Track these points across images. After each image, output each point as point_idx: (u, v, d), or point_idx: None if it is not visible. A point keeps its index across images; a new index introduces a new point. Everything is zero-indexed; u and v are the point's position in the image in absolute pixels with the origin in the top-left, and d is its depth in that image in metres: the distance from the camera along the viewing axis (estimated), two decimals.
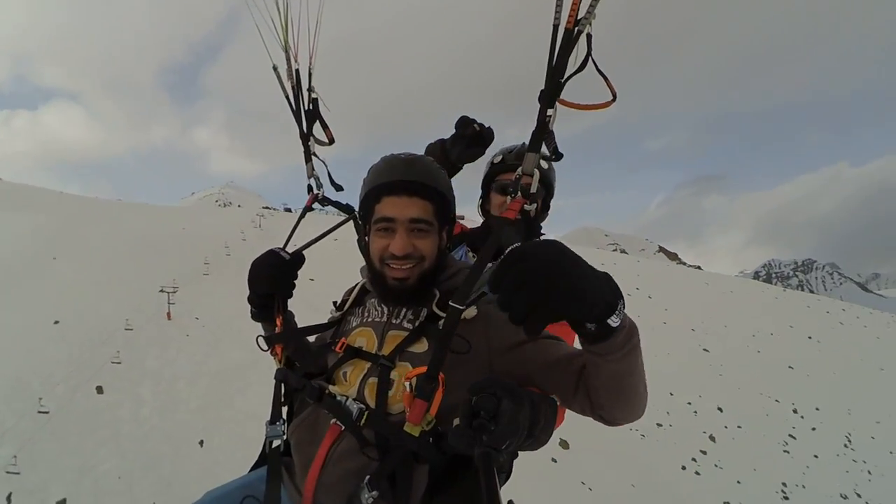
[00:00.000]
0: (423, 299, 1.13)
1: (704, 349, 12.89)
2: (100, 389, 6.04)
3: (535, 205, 1.03)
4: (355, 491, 0.97)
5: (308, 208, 1.48)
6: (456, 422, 0.78)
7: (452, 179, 1.51)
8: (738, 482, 7.83)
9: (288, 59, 1.46)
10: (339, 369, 1.15)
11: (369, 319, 1.20)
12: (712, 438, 9.04)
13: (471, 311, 1.01)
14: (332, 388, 1.11)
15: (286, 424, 1.18)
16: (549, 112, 0.95)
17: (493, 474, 0.70)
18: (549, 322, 0.71)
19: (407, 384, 0.94)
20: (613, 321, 0.74)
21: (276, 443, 1.16)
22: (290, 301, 1.39)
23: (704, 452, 8.54)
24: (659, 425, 9.15)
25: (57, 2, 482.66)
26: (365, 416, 1.02)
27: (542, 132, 0.97)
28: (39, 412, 5.60)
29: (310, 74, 1.47)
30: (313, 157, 1.48)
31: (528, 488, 5.45)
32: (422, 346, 1.09)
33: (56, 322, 7.09)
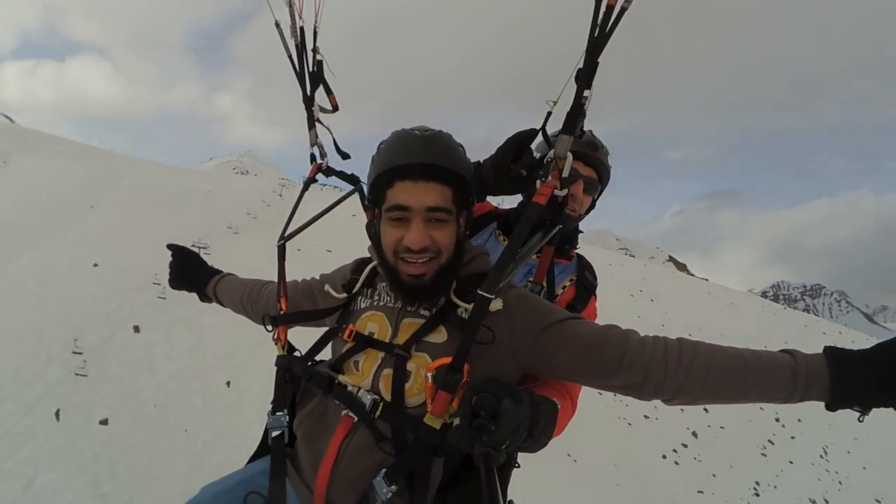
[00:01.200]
0: (449, 288, 1.11)
1: None
2: (136, 329, 6.61)
3: (566, 190, 1.06)
4: (370, 486, 0.97)
5: (312, 179, 1.42)
6: (456, 422, 0.81)
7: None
8: (714, 475, 8.31)
9: (292, 15, 1.38)
10: (349, 359, 1.11)
11: (381, 304, 1.16)
12: (695, 434, 9.50)
13: (496, 304, 0.98)
14: (341, 377, 1.09)
15: (289, 415, 1.16)
16: (586, 93, 0.96)
17: (494, 474, 0.70)
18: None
19: (429, 375, 0.93)
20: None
21: (277, 433, 1.13)
22: (306, 272, 1.46)
23: (685, 446, 9.01)
24: (646, 417, 9.60)
25: None
26: (380, 408, 1.00)
27: (577, 114, 0.97)
28: (74, 352, 6.12)
29: (315, 33, 1.40)
30: (317, 124, 1.42)
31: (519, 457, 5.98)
32: (440, 336, 1.05)
33: (95, 265, 7.66)
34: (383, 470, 0.96)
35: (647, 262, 24.93)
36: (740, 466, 8.86)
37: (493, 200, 1.70)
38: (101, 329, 6.41)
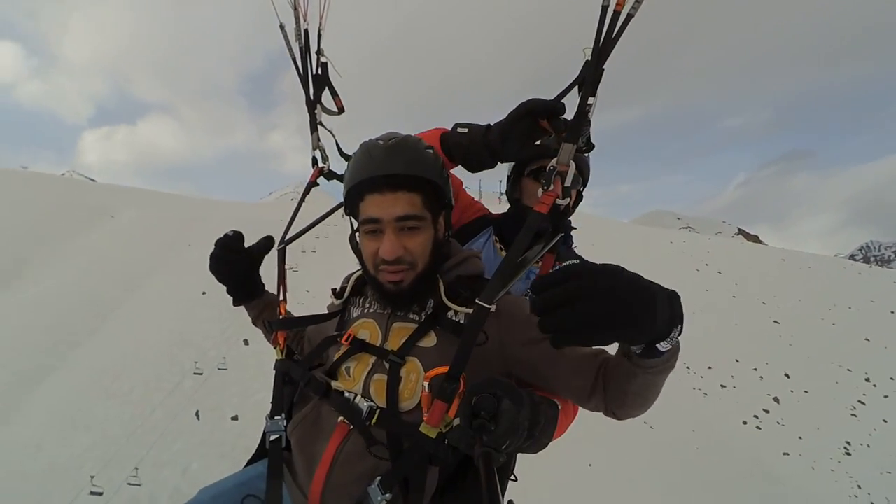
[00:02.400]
0: (431, 292, 1.13)
1: (775, 321, 12.93)
2: (246, 342, 7.65)
3: (567, 199, 1.02)
4: (364, 493, 0.97)
5: (313, 183, 1.42)
6: (456, 422, 0.81)
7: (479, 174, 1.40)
8: (800, 437, 8.20)
9: (297, 18, 1.38)
10: (342, 364, 1.13)
11: (371, 311, 1.18)
12: (776, 400, 9.36)
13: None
14: (334, 383, 1.10)
15: (287, 420, 1.16)
16: (591, 101, 0.95)
17: (494, 474, 0.70)
18: (587, 345, 0.74)
19: (426, 384, 0.94)
20: (663, 346, 0.77)
21: (275, 437, 1.14)
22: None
23: (767, 411, 8.92)
24: (723, 386, 9.57)
25: (154, 24, 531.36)
26: (376, 415, 1.01)
27: (581, 121, 0.96)
28: (195, 373, 7.16)
29: (319, 35, 1.41)
30: (320, 127, 1.42)
31: (590, 425, 6.35)
32: (430, 341, 1.07)
33: (204, 293, 8.85)
34: (378, 478, 0.97)
35: (712, 237, 24.07)
36: (828, 428, 8.66)
37: (491, 206, 1.74)
38: (219, 345, 7.51)
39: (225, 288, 1.35)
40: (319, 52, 1.41)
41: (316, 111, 1.42)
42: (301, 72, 1.41)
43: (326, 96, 1.45)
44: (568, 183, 0.99)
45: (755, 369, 10.51)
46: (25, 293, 8.30)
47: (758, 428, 8.30)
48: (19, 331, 7.31)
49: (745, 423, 8.37)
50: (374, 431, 1.01)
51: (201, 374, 6.90)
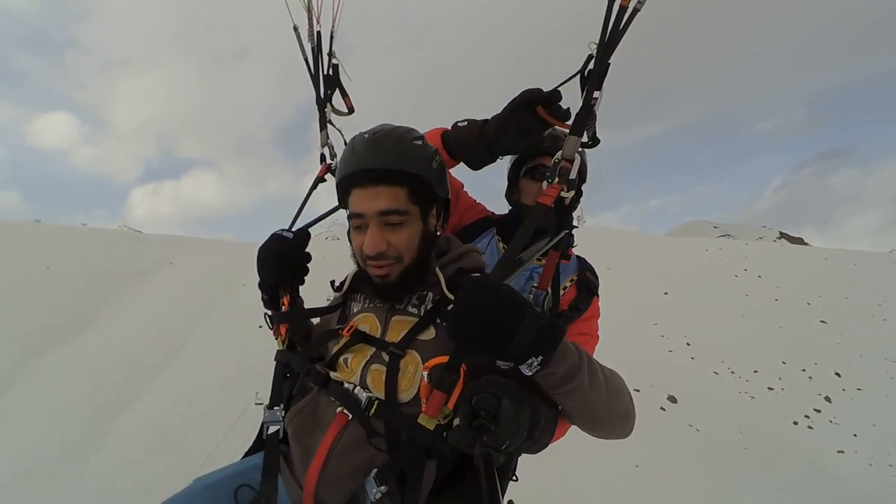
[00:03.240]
0: (422, 284, 1.14)
1: (822, 321, 12.64)
2: None
3: (573, 192, 1.03)
4: (360, 486, 0.98)
5: (320, 179, 1.44)
6: (456, 422, 0.82)
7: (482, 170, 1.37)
8: (855, 435, 8.03)
9: (310, 20, 1.40)
10: (341, 355, 1.14)
11: (370, 305, 1.20)
12: (828, 399, 9.17)
13: None
14: (333, 374, 1.11)
15: (285, 411, 1.16)
16: (596, 94, 0.96)
17: (494, 474, 0.70)
18: (471, 356, 0.90)
19: (425, 374, 0.94)
20: (524, 370, 0.85)
21: (273, 429, 1.15)
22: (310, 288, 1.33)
23: (819, 411, 8.75)
24: (770, 389, 9.42)
25: (194, 88, 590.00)
26: (375, 406, 1.02)
27: (587, 115, 0.97)
28: (256, 402, 7.75)
29: (331, 38, 1.43)
30: (329, 126, 1.45)
31: (636, 428, 6.50)
32: (429, 334, 1.09)
33: (260, 326, 9.50)
34: (375, 470, 0.97)
35: (749, 243, 23.60)
36: (885, 424, 8.42)
37: (489, 205, 1.74)
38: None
39: (265, 286, 1.29)
40: (331, 54, 1.45)
41: (326, 110, 1.45)
42: (312, 71, 1.45)
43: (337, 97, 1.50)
44: (573, 175, 1.00)
45: (804, 370, 10.32)
46: (101, 336, 9.14)
47: (809, 427, 8.17)
48: (99, 369, 8.08)
49: (795, 423, 8.26)
50: (373, 422, 1.01)
51: (261, 403, 7.44)
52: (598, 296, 1.52)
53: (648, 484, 5.34)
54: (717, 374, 10.00)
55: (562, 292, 1.43)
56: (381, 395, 1.04)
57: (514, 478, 1.25)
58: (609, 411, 0.99)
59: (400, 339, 1.09)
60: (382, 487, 0.95)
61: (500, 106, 1.23)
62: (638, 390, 7.94)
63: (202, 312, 10.73)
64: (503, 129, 1.22)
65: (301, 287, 1.35)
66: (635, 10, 0.92)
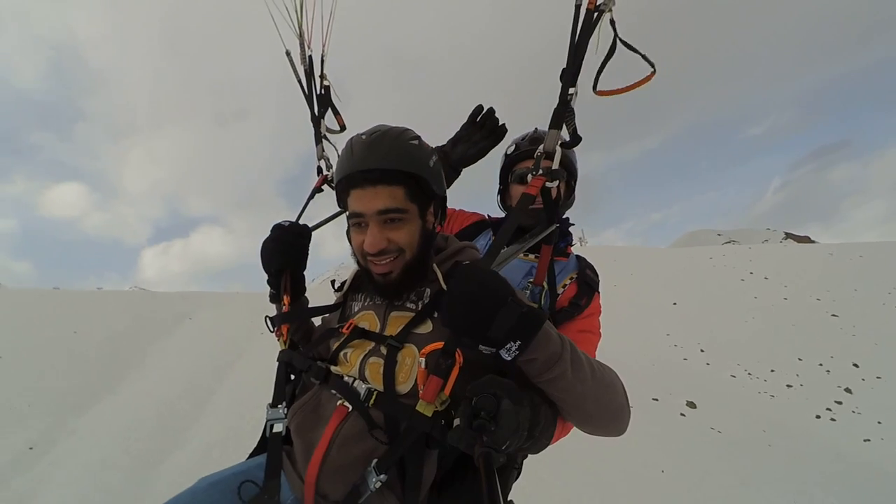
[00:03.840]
0: (421, 281, 1.17)
1: (833, 315, 12.75)
2: None
3: (556, 182, 1.09)
4: (361, 478, 1.00)
5: (317, 189, 1.51)
6: (456, 422, 0.82)
7: (453, 187, 1.50)
8: (879, 422, 8.09)
9: (301, 45, 1.50)
10: (341, 351, 1.18)
11: (370, 302, 1.24)
12: (848, 390, 9.23)
13: None
14: (334, 368, 1.15)
15: (287, 408, 1.19)
16: (571, 90, 1.02)
17: (494, 475, 0.71)
18: (462, 341, 0.92)
19: (422, 360, 0.98)
20: (504, 354, 0.88)
21: (277, 427, 1.17)
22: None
23: (840, 403, 8.81)
24: (789, 386, 9.51)
25: (199, 150, 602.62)
26: (374, 397, 1.05)
27: (564, 109, 1.03)
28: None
29: (322, 61, 1.52)
30: (324, 140, 1.53)
31: (658, 435, 6.63)
32: (426, 328, 1.12)
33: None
34: (375, 460, 0.99)
35: (752, 246, 23.77)
36: None
37: (482, 210, 1.82)
38: None
39: (272, 280, 1.33)
40: (323, 76, 1.54)
41: (320, 126, 1.54)
42: (306, 91, 1.53)
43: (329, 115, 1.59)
44: (555, 165, 1.06)
45: (820, 364, 10.40)
46: (132, 391, 9.42)
47: (833, 420, 8.23)
48: (133, 423, 8.32)
49: (818, 416, 8.33)
50: (373, 414, 1.03)
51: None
52: (598, 292, 1.54)
53: (676, 486, 5.48)
54: (734, 377, 10.11)
55: (562, 290, 1.50)
56: (380, 388, 1.06)
57: (517, 467, 1.28)
58: (597, 404, 0.98)
59: (397, 332, 1.12)
60: (382, 476, 0.96)
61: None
62: (656, 399, 8.11)
63: (225, 362, 11.05)
64: (456, 141, 1.49)
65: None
66: (600, 12, 1.00)
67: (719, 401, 8.43)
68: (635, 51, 1.03)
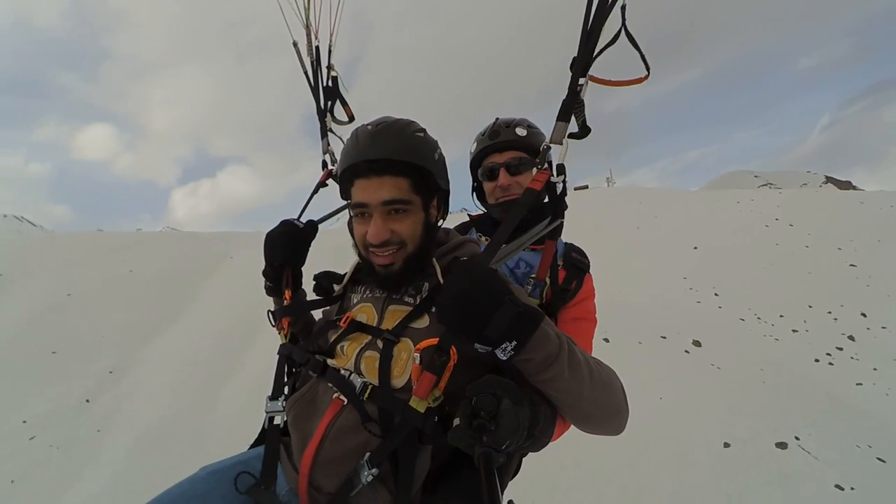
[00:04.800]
0: (421, 275, 1.17)
1: (851, 265, 12.92)
2: None
3: (562, 176, 1.08)
4: (354, 470, 0.99)
5: (322, 184, 1.50)
6: (456, 422, 0.82)
7: None
8: (875, 369, 8.53)
9: (308, 36, 1.49)
10: (338, 343, 1.18)
11: (369, 295, 1.24)
12: (851, 338, 9.63)
13: None
14: (330, 361, 1.15)
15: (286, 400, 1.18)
16: (581, 81, 0.99)
17: (494, 474, 0.71)
18: (457, 339, 0.92)
19: (416, 356, 0.96)
20: (499, 353, 0.88)
21: (276, 419, 1.19)
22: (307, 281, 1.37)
23: (841, 349, 9.25)
24: (794, 331, 9.95)
25: (222, 86, 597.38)
26: (369, 390, 1.04)
27: (573, 101, 1.00)
28: None
29: (329, 52, 1.52)
30: (329, 134, 1.52)
31: (660, 368, 7.25)
32: (423, 322, 1.11)
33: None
34: (368, 454, 0.98)
35: (784, 191, 23.32)
36: None
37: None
38: None
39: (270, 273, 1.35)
40: (330, 67, 1.52)
41: (326, 119, 1.51)
42: (312, 83, 1.52)
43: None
44: (562, 160, 1.04)
45: (829, 312, 10.78)
46: (189, 324, 10.57)
47: (830, 364, 8.75)
48: (195, 351, 9.47)
49: (817, 360, 8.85)
50: (368, 407, 1.03)
51: None
52: (590, 274, 1.51)
53: (671, 411, 6.14)
54: (743, 320, 10.61)
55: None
56: (375, 381, 1.06)
57: (518, 459, 1.30)
58: (594, 403, 0.98)
59: (394, 326, 1.11)
60: (374, 470, 0.97)
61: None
62: (664, 337, 8.69)
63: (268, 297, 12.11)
64: None
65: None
66: (613, 1, 0.95)
67: (724, 341, 8.93)
68: (637, 48, 1.01)
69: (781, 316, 10.68)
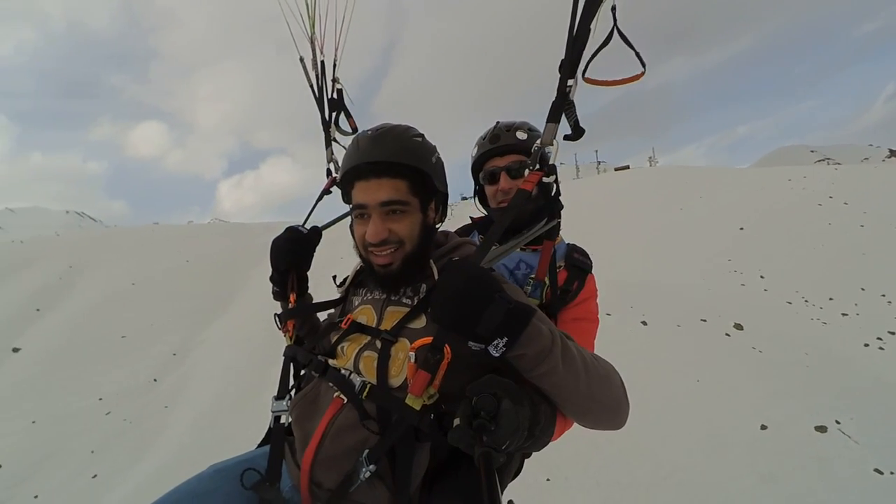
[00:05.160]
0: (419, 276, 1.19)
1: None
2: None
3: (553, 176, 1.09)
4: (354, 467, 1.02)
5: (326, 191, 1.53)
6: (456, 422, 0.82)
7: None
8: None
9: (313, 51, 1.55)
10: (338, 344, 1.21)
11: (369, 297, 1.26)
12: None
13: None
14: (331, 361, 1.18)
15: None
16: (570, 82, 0.99)
17: (494, 474, 0.71)
18: (451, 337, 0.92)
19: (412, 355, 0.98)
20: (491, 350, 0.89)
21: (282, 419, 1.23)
22: (313, 284, 1.43)
23: (893, 333, 8.92)
24: (844, 315, 9.56)
25: (266, 80, 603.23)
26: (367, 390, 1.07)
27: (563, 102, 1.01)
28: None
29: (334, 66, 1.57)
30: (333, 143, 1.56)
31: (698, 351, 7.08)
32: (420, 322, 1.13)
33: None
34: (367, 450, 1.01)
35: (839, 167, 22.06)
36: None
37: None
38: None
39: (277, 277, 1.39)
40: (335, 80, 1.57)
41: (330, 129, 1.56)
42: (317, 96, 1.57)
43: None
44: (554, 160, 1.06)
45: (883, 295, 10.29)
46: (243, 309, 11.27)
47: (881, 349, 8.35)
48: (247, 333, 10.11)
49: (866, 345, 8.47)
50: (367, 406, 1.05)
51: None
52: (592, 274, 1.52)
53: (707, 393, 6.09)
54: (790, 303, 10.29)
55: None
56: (373, 380, 1.08)
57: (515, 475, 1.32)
58: (592, 398, 0.99)
59: (392, 327, 1.14)
60: (371, 466, 0.99)
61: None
62: (704, 320, 8.49)
63: (315, 283, 12.64)
64: None
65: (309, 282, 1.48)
66: (600, 1, 0.96)
67: (768, 325, 8.68)
68: (631, 46, 1.01)
69: (831, 299, 10.30)
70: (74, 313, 11.58)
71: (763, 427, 5.31)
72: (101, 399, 8.80)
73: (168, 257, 14.34)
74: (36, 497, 6.76)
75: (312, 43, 1.53)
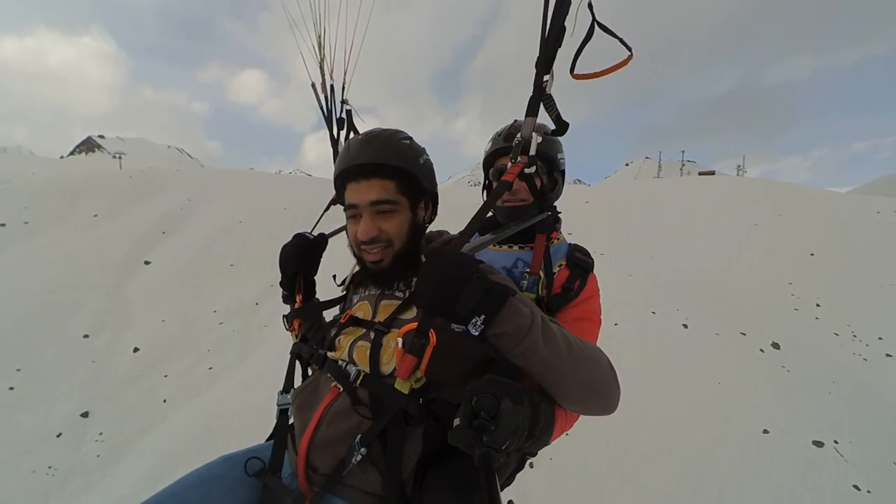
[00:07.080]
0: (410, 271, 1.25)
1: None
2: None
3: (533, 167, 1.12)
4: (348, 452, 1.07)
5: (333, 202, 1.60)
6: (456, 422, 0.83)
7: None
8: None
9: (323, 75, 1.66)
10: (336, 338, 1.28)
11: (366, 294, 1.35)
12: None
13: None
14: (330, 354, 1.26)
15: None
16: (546, 77, 1.03)
17: (494, 474, 0.71)
18: (433, 320, 0.95)
19: (399, 340, 1.03)
20: (471, 330, 0.91)
21: (283, 409, 1.31)
22: (327, 288, 1.46)
23: None
24: (888, 355, 9.40)
25: (366, 36, 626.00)
26: (361, 377, 1.14)
27: (539, 97, 1.05)
28: None
29: (343, 88, 1.67)
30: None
31: (726, 361, 7.51)
32: (411, 313, 1.21)
33: None
34: (359, 435, 1.07)
35: None
36: None
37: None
38: None
39: (286, 282, 1.48)
40: (344, 102, 1.67)
41: (338, 146, 1.66)
42: (326, 115, 1.69)
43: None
44: (532, 152, 1.11)
45: None
46: (330, 250, 12.90)
47: None
48: (331, 270, 11.72)
49: (888, 355, 8.51)
50: (360, 393, 1.13)
51: None
52: (594, 273, 1.51)
53: (723, 393, 6.50)
54: (837, 335, 10.24)
55: (553, 276, 1.47)
56: (367, 369, 1.15)
57: (530, 465, 1.37)
58: (577, 378, 1.00)
59: (385, 318, 1.21)
60: (363, 450, 1.04)
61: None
62: (744, 334, 8.76)
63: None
64: None
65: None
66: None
67: (806, 350, 8.75)
68: (613, 34, 1.03)
69: (880, 338, 10.30)
70: (193, 239, 13.73)
71: (765, 431, 5.95)
72: (215, 311, 10.79)
73: (267, 202, 16.22)
74: (166, 376, 8.72)
75: (322, 70, 1.65)
